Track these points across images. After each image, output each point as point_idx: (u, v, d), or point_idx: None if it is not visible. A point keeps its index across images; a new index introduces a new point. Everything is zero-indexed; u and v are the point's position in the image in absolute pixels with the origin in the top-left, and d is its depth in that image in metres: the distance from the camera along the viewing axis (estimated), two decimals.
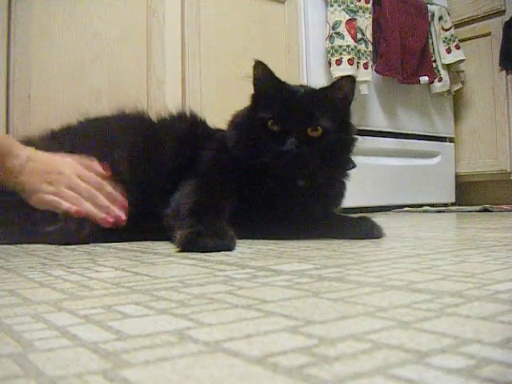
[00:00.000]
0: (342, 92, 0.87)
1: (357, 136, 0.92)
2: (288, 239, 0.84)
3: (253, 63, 0.88)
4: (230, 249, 0.70)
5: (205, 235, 0.69)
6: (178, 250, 0.70)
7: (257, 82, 0.90)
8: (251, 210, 0.85)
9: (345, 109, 0.90)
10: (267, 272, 0.50)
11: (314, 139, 0.83)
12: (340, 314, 0.32)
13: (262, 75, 0.88)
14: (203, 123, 1.04)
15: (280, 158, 0.81)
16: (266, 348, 0.25)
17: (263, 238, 0.86)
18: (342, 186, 0.94)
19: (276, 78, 0.88)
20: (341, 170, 0.92)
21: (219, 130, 1.00)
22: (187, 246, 0.69)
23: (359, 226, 0.87)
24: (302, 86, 0.94)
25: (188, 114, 1.04)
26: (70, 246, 0.80)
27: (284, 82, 0.90)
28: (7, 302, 0.38)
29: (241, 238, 0.78)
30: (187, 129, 1.00)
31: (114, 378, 0.21)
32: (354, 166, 0.94)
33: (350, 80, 0.88)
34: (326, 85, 0.91)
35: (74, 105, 1.46)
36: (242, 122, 0.90)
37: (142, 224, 0.89)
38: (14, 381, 0.21)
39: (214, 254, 0.66)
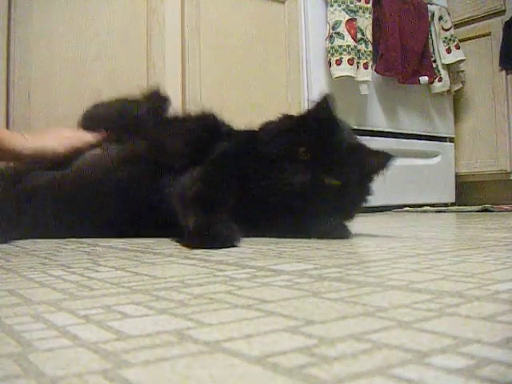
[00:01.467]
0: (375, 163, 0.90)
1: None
2: (260, 236, 0.87)
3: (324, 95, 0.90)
4: (236, 244, 0.73)
5: (214, 225, 0.73)
6: (190, 244, 0.73)
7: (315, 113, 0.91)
8: (243, 208, 0.86)
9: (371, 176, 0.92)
10: (267, 272, 0.50)
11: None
12: (340, 314, 0.32)
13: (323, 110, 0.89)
14: (222, 123, 1.07)
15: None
16: (266, 348, 0.25)
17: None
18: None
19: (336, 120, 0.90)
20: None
21: (236, 131, 1.03)
22: (201, 239, 0.72)
23: (328, 227, 0.87)
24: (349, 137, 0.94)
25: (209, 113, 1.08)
26: (70, 246, 0.80)
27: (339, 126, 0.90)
28: (7, 301, 0.38)
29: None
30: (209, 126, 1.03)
31: (114, 377, 0.21)
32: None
33: (385, 156, 0.90)
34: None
35: (74, 105, 1.46)
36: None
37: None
38: (13, 381, 0.21)
39: (213, 253, 0.66)
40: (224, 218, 0.76)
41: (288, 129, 0.90)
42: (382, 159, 0.89)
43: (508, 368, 0.22)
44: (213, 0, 1.75)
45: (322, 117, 0.89)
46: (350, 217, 0.93)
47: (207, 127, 1.02)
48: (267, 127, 0.95)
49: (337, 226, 0.88)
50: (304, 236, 0.87)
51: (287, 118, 0.95)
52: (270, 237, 0.88)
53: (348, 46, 1.88)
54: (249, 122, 1.01)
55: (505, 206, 1.94)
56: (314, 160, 0.85)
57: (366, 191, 0.93)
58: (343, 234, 0.87)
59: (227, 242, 0.72)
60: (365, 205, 0.93)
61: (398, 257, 0.59)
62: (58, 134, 1.11)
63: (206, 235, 0.72)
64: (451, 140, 2.42)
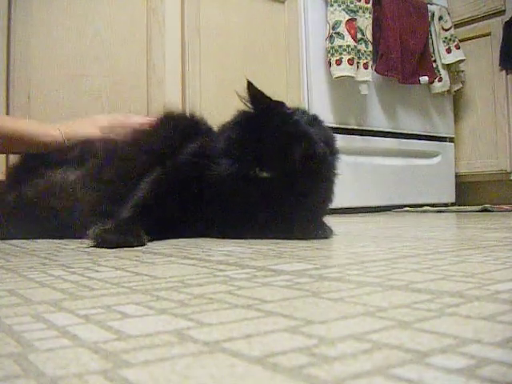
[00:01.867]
0: None
1: None
2: (235, 238, 0.87)
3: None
4: (133, 245, 0.77)
5: (110, 232, 0.77)
6: (91, 245, 0.78)
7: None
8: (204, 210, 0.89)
9: None
10: (267, 272, 0.50)
11: None
12: (340, 314, 0.32)
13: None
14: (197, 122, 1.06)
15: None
16: (266, 348, 0.25)
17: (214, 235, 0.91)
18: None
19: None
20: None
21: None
22: (97, 241, 0.77)
23: (308, 227, 0.85)
24: None
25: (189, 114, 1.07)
26: (70, 246, 0.80)
27: None
28: (7, 302, 0.38)
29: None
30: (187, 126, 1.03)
31: (114, 378, 0.21)
32: None
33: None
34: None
35: (74, 105, 1.46)
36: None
37: None
38: (13, 381, 0.21)
39: (214, 253, 0.66)
40: (128, 224, 0.81)
41: (230, 127, 0.91)
42: (312, 148, 0.81)
43: (509, 368, 0.22)
44: (213, 0, 1.75)
45: (266, 111, 0.90)
46: (312, 212, 0.87)
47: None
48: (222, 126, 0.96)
49: (314, 225, 0.85)
50: (281, 237, 0.85)
51: (238, 115, 0.93)
52: (247, 238, 0.86)
53: (348, 45, 1.88)
54: None
55: (505, 206, 1.94)
56: (245, 153, 0.84)
57: (314, 181, 0.84)
58: (327, 233, 0.85)
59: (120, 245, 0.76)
60: (327, 199, 0.89)
61: (398, 257, 0.59)
62: (92, 120, 1.13)
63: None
64: (451, 140, 2.42)
